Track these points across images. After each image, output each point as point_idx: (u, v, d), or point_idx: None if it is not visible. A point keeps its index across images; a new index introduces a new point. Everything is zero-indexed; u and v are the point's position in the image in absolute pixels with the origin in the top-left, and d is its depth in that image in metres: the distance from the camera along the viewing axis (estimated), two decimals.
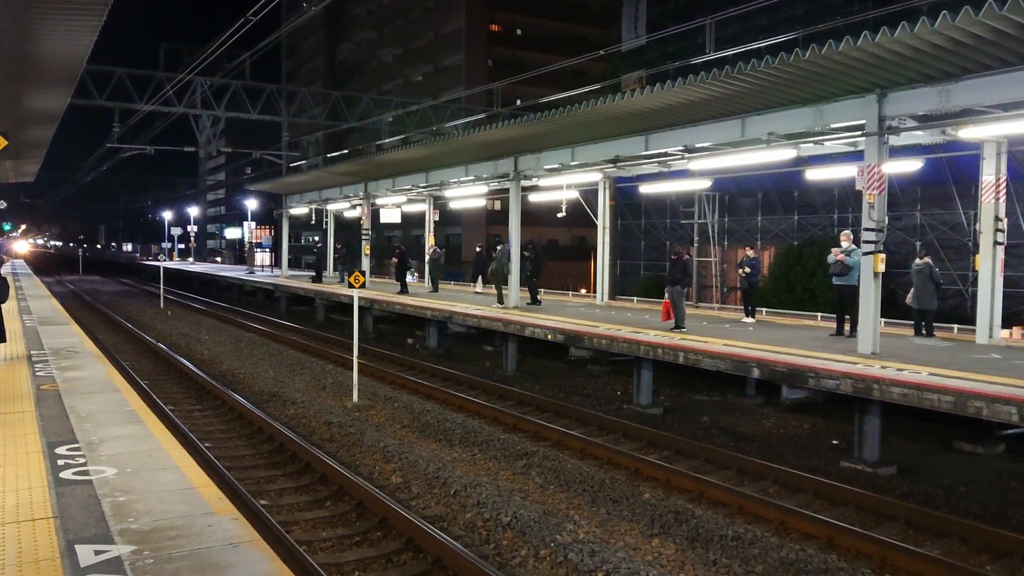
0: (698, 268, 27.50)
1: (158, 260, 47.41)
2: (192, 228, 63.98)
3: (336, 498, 7.87)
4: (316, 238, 50.41)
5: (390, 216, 28.13)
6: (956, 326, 14.10)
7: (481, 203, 28.70)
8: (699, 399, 13.02)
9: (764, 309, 17.92)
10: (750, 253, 16.03)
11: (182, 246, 67.39)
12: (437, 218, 25.90)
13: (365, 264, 26.58)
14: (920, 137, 11.88)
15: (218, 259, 76.06)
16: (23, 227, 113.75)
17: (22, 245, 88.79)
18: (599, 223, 18.81)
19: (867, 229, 10.51)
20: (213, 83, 26.08)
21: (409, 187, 24.22)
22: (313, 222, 33.88)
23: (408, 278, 24.20)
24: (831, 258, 12.45)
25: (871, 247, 10.44)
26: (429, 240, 25.49)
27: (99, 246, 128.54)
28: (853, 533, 7.01)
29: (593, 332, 13.36)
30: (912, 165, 13.96)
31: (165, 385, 13.90)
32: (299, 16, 22.22)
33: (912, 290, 12.78)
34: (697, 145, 13.83)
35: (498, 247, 19.90)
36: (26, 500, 5.14)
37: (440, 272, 25.68)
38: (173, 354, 16.69)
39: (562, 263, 41.40)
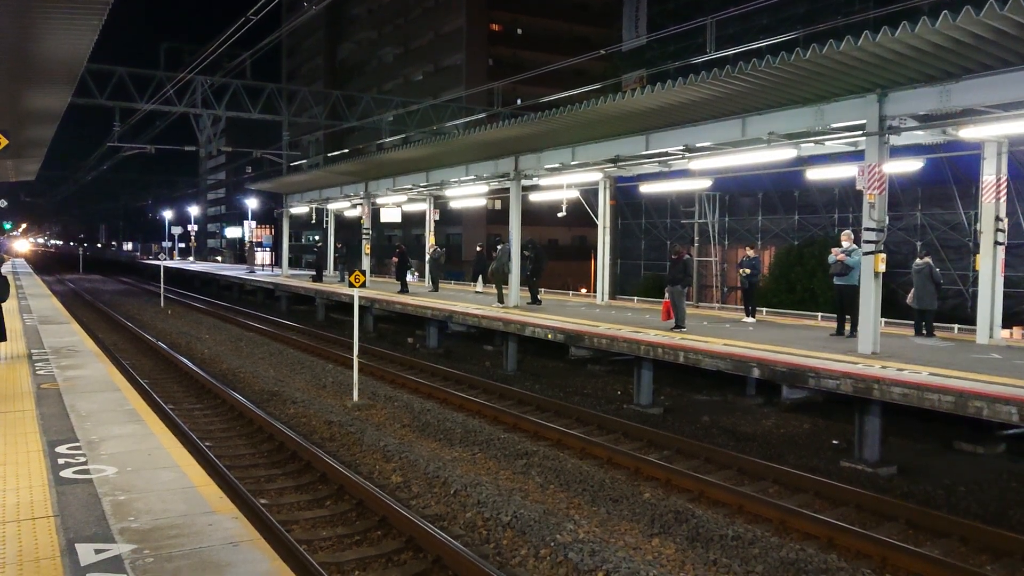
0: (698, 268, 27.46)
1: (158, 259, 47.42)
2: (192, 227, 64.03)
3: (336, 497, 7.87)
4: (316, 237, 50.44)
5: (390, 215, 28.15)
6: (956, 326, 14.10)
7: (481, 202, 28.72)
8: (699, 399, 13.02)
9: (764, 309, 17.92)
10: (750, 253, 16.03)
11: (182, 245, 67.39)
12: (437, 217, 25.91)
13: (365, 263, 26.58)
14: (921, 137, 11.87)
15: (218, 258, 76.11)
16: (23, 226, 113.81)
17: (22, 244, 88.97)
18: (599, 223, 18.80)
19: (867, 229, 10.51)
20: (213, 82, 26.06)
21: (410, 186, 24.23)
22: (313, 221, 33.91)
23: (408, 277, 24.21)
24: (831, 258, 12.44)
25: (872, 247, 10.44)
26: (429, 239, 25.50)
27: (99, 245, 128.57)
28: (853, 533, 7.01)
29: (593, 332, 13.36)
30: (913, 165, 13.96)
31: (165, 384, 13.90)
32: (299, 15, 22.19)
33: (912, 290, 12.78)
34: (698, 145, 13.83)
35: (498, 246, 19.90)
36: (26, 499, 5.14)
37: (440, 271, 25.69)
38: (173, 353, 16.69)
39: (562, 263, 41.42)
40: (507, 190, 18.56)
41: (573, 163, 16.87)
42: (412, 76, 58.79)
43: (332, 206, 31.51)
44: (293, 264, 48.90)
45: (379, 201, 27.33)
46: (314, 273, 30.53)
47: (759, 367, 10.21)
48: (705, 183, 18.72)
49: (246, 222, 47.60)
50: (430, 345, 18.62)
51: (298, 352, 18.02)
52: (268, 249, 48.79)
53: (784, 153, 12.71)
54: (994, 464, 9.40)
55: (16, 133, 15.60)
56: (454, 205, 27.78)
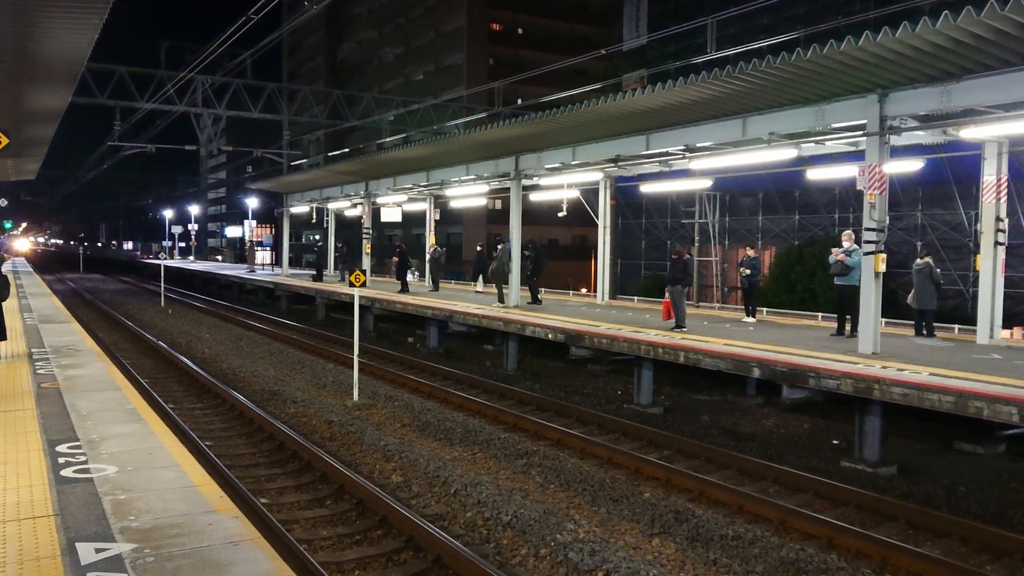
0: (699, 268, 27.48)
1: (159, 258, 47.42)
2: (193, 226, 64.02)
3: (336, 497, 7.88)
4: (317, 237, 50.42)
5: (391, 215, 28.14)
6: (957, 326, 14.11)
7: (482, 202, 28.71)
8: (699, 399, 13.02)
9: (765, 309, 17.92)
10: (751, 253, 16.02)
11: (183, 244, 67.42)
12: (438, 217, 25.90)
13: (366, 263, 26.59)
14: (921, 137, 11.87)
15: (219, 257, 76.13)
16: (24, 225, 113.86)
17: (23, 243, 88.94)
18: (600, 222, 18.80)
19: (868, 229, 10.51)
20: (214, 82, 26.06)
21: (410, 186, 24.23)
22: (314, 221, 33.91)
23: (409, 277, 24.21)
24: (832, 258, 12.44)
25: (872, 247, 10.43)
26: (430, 239, 25.49)
27: (100, 244, 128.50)
28: (853, 533, 7.01)
29: (594, 331, 13.36)
30: (913, 165, 13.97)
31: (166, 383, 13.91)
32: (300, 15, 22.19)
33: (913, 290, 12.78)
34: (698, 145, 13.83)
35: (499, 246, 19.90)
36: (27, 498, 5.15)
37: (441, 271, 25.69)
38: (174, 352, 16.69)
39: (563, 262, 41.43)
40: (507, 190, 18.56)
41: (573, 163, 16.87)
42: (413, 75, 58.79)
43: (332, 205, 31.51)
44: (293, 263, 48.94)
45: (379, 201, 27.33)
46: (314, 272, 30.54)
47: (759, 367, 10.21)
48: (705, 183, 18.73)
49: (246, 221, 47.56)
50: (430, 345, 18.62)
51: (298, 351, 18.02)
52: (268, 248, 48.80)
53: (784, 153, 12.71)
54: (994, 464, 9.40)
55: (16, 132, 15.61)
56: (454, 205, 27.77)
